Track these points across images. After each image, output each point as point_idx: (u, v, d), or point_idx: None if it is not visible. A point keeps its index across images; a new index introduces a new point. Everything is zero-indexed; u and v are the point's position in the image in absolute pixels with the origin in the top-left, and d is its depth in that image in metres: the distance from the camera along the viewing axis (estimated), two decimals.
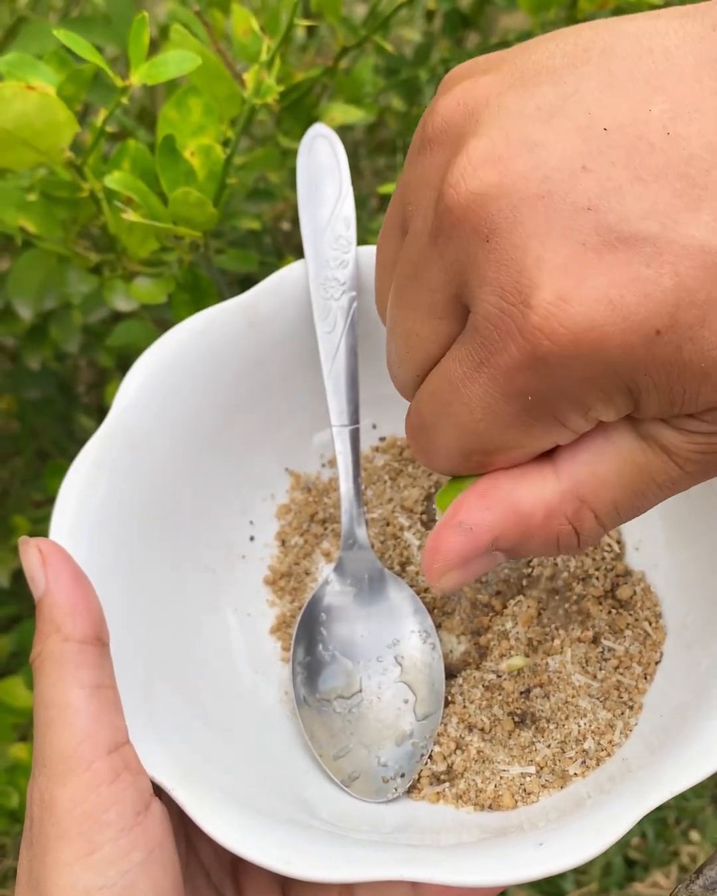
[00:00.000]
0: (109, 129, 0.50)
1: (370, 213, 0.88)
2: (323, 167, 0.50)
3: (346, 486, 0.47)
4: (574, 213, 0.27)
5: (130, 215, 0.50)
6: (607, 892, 0.82)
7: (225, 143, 0.52)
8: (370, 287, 0.48)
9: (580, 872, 0.82)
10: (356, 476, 0.47)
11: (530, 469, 0.33)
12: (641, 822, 0.84)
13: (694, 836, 0.84)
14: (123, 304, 0.58)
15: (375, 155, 0.92)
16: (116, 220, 0.53)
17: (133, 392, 0.45)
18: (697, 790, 0.86)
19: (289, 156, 0.67)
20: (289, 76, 0.64)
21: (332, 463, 0.53)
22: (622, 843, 0.83)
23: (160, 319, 0.68)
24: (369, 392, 0.50)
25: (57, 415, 0.83)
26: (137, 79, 0.47)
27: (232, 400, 0.49)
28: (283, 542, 0.52)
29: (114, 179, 0.49)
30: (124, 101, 0.48)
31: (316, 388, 0.49)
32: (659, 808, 0.86)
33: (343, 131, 0.89)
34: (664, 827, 0.85)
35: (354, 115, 0.67)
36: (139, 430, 0.45)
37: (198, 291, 0.56)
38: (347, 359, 0.48)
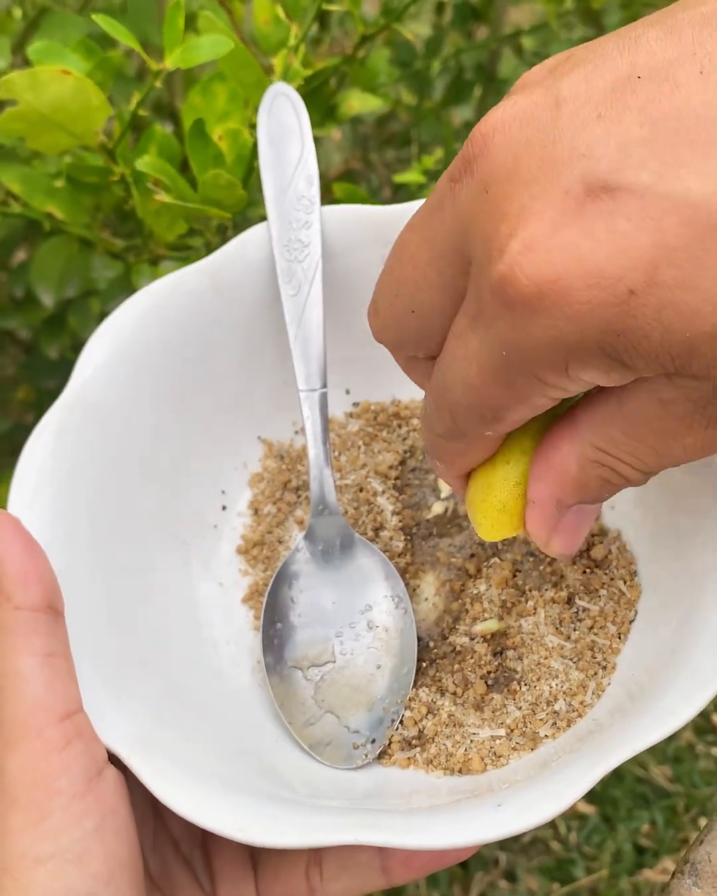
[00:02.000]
0: (143, 112, 0.50)
1: (384, 203, 0.87)
2: (285, 128, 0.50)
3: (314, 451, 0.47)
4: (569, 161, 0.26)
5: (163, 197, 0.50)
6: (617, 879, 0.81)
7: (252, 128, 0.53)
8: (336, 249, 0.48)
9: (591, 859, 0.82)
10: (324, 440, 0.47)
11: (557, 427, 0.32)
12: (650, 810, 0.83)
13: (703, 823, 0.83)
14: None
15: (385, 147, 0.93)
16: (145, 204, 0.54)
17: (95, 361, 0.45)
18: (707, 778, 0.85)
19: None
20: (309, 64, 0.65)
21: (304, 429, 0.53)
22: (633, 830, 0.83)
23: None
24: (342, 357, 0.50)
25: None
26: (171, 62, 0.48)
27: (200, 367, 0.48)
28: (256, 511, 0.51)
29: (144, 163, 0.50)
30: (158, 84, 0.49)
31: (286, 354, 0.48)
32: (668, 796, 0.85)
33: (354, 124, 0.90)
34: (674, 814, 0.84)
35: (371, 102, 0.68)
36: (102, 399, 0.45)
37: None
38: (312, 322, 0.47)
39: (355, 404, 0.53)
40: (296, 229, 0.48)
